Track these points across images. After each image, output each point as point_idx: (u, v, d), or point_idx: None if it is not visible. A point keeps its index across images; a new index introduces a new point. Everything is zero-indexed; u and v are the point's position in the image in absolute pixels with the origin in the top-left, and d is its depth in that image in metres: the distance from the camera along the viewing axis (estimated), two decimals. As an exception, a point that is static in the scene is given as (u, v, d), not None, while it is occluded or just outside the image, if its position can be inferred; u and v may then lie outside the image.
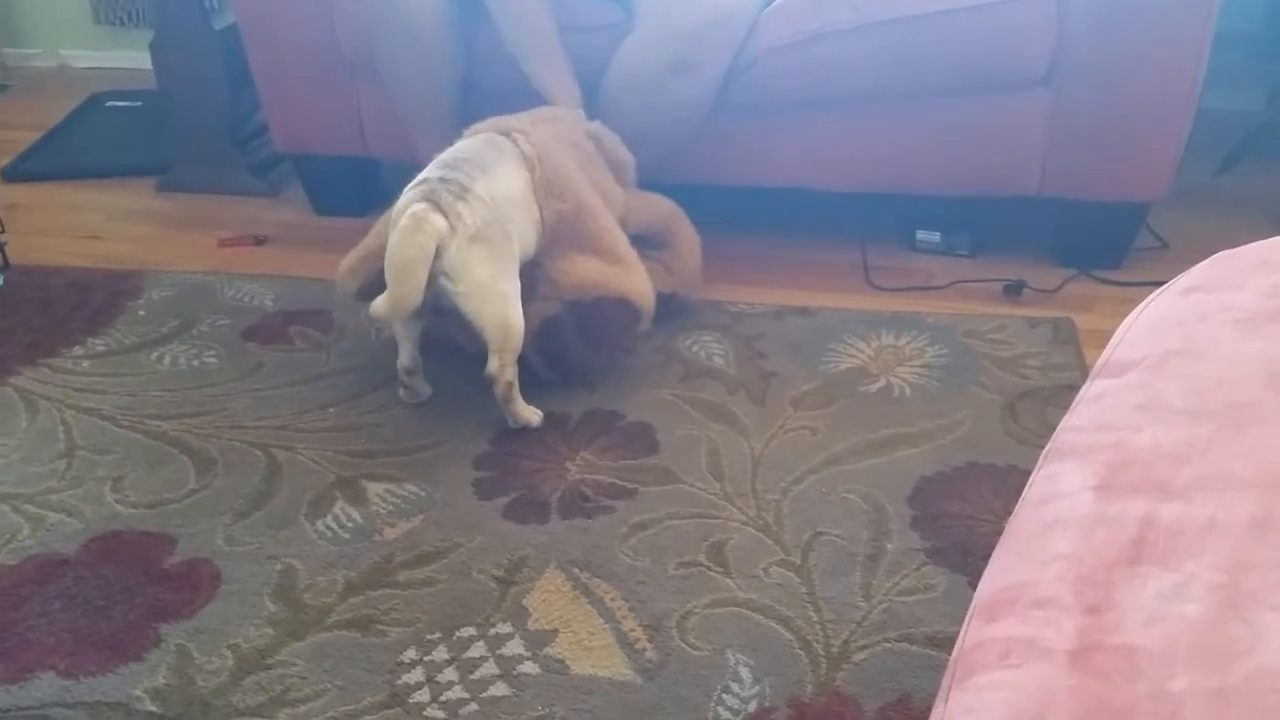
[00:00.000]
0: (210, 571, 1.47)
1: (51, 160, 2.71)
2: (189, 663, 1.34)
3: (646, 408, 1.76)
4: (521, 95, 1.95)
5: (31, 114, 2.95)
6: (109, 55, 3.28)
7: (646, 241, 1.91)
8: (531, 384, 1.75)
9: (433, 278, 1.60)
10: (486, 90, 2.09)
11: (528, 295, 1.70)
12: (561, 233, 1.73)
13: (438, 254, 1.58)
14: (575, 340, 1.75)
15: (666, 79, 1.92)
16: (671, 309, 1.93)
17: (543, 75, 1.97)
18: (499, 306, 1.63)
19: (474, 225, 1.60)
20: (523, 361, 1.70)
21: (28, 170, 2.65)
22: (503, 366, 1.66)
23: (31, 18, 3.34)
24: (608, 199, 1.83)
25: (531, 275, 1.73)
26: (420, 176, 1.66)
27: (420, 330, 1.74)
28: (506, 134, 1.74)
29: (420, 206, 1.59)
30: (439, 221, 1.58)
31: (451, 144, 2.04)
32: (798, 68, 1.97)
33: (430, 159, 2.13)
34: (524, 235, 1.69)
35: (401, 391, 1.78)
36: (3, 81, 3.24)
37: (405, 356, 1.75)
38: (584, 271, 1.74)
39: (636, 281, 1.78)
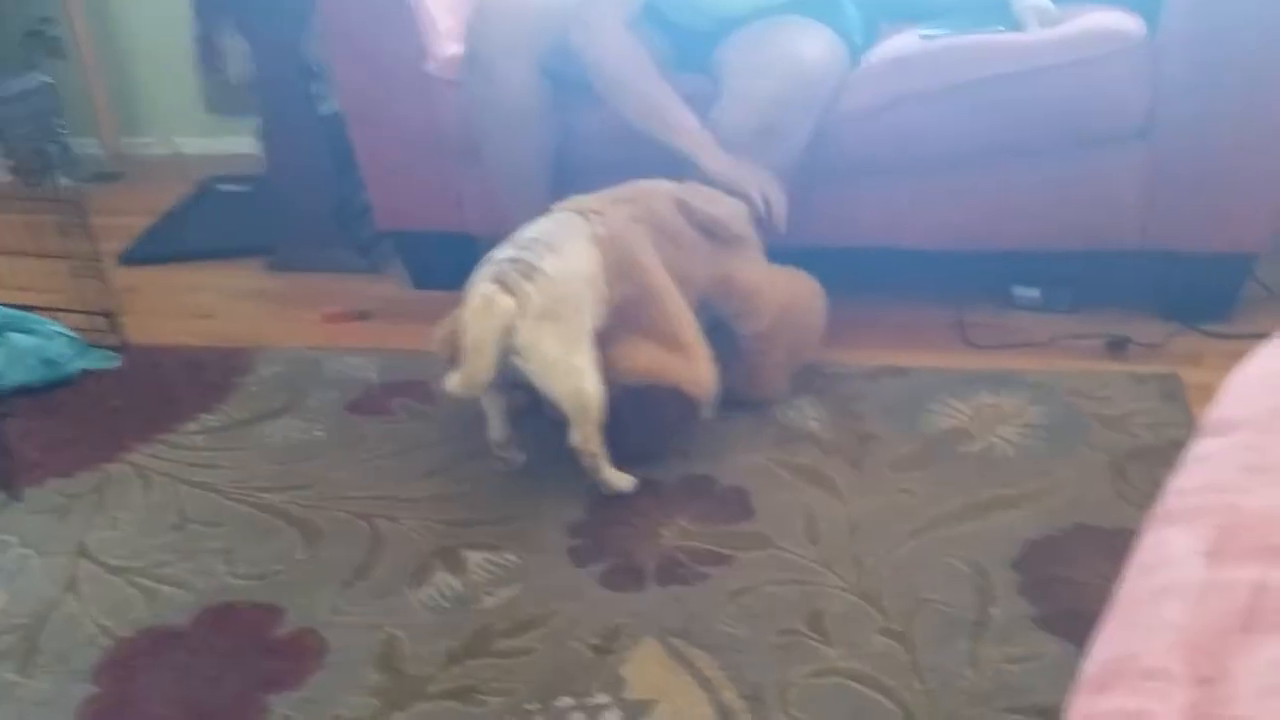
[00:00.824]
0: (316, 642, 1.50)
1: (166, 244, 2.83)
2: (295, 733, 1.36)
3: (741, 472, 1.75)
4: (613, 170, 1.98)
5: (146, 200, 3.10)
6: (219, 142, 3.44)
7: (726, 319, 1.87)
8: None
9: (506, 355, 1.63)
10: (578, 169, 2.13)
11: None
12: (626, 315, 1.74)
13: (509, 333, 1.61)
14: (633, 421, 1.74)
15: (753, 145, 1.94)
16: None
17: (673, 137, 1.96)
18: (573, 382, 1.65)
19: (541, 303, 1.62)
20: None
21: (143, 255, 2.77)
22: (586, 439, 1.67)
23: (145, 106, 3.52)
24: (687, 276, 1.81)
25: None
26: (490, 256, 1.69)
27: (505, 403, 1.77)
28: (583, 214, 1.77)
29: (489, 287, 1.62)
30: (506, 302, 1.61)
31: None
32: (882, 131, 1.98)
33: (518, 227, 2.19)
34: (593, 313, 1.70)
35: (497, 463, 1.81)
36: (118, 169, 3.41)
37: (494, 430, 1.78)
38: (640, 357, 1.73)
39: (694, 371, 1.75)
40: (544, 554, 1.62)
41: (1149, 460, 1.68)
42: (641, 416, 1.75)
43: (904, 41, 2.04)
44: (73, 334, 2.24)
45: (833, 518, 1.64)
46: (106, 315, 2.31)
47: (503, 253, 1.68)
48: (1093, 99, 1.89)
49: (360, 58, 2.25)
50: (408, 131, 2.28)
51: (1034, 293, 2.13)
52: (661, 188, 1.88)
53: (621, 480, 1.73)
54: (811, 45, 1.96)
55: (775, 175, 1.97)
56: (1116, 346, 1.99)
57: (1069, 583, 1.47)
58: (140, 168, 3.44)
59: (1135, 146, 1.92)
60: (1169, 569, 0.81)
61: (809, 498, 1.68)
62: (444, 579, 1.59)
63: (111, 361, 2.24)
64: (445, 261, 2.45)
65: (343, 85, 2.32)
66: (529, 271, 1.63)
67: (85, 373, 2.19)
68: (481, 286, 1.63)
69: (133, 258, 2.76)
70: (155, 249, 2.80)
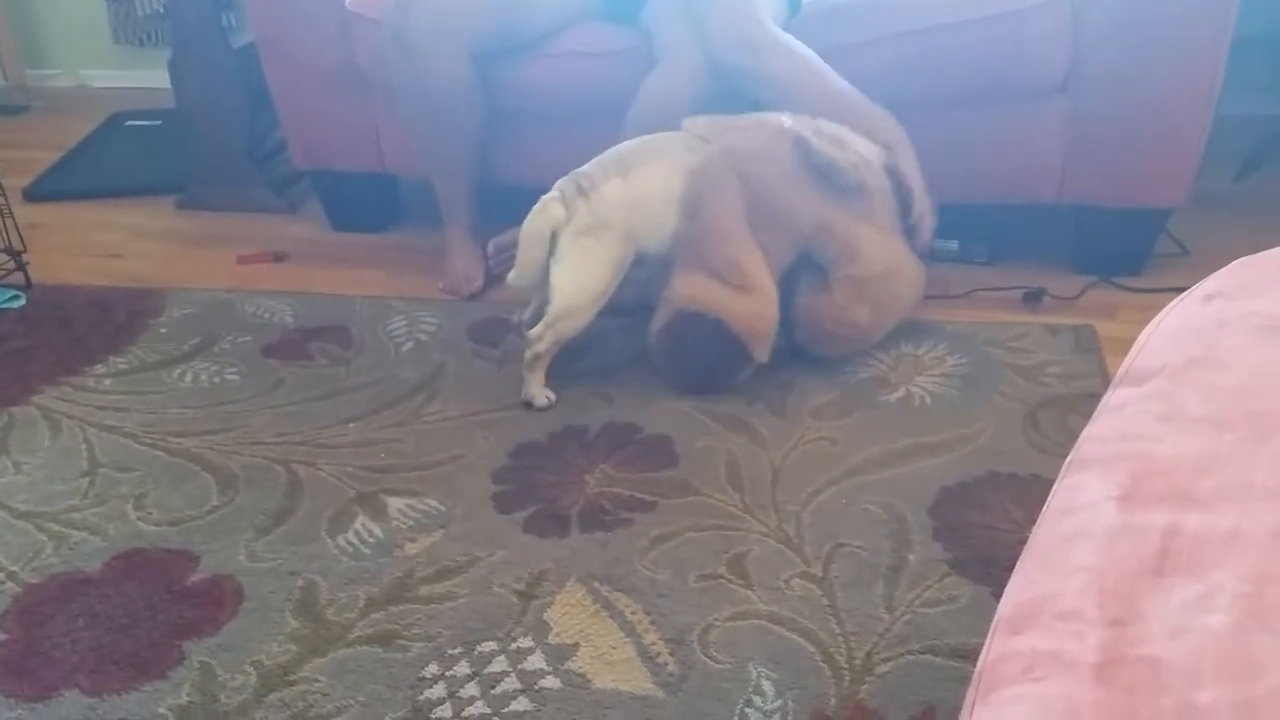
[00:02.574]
0: (233, 588, 1.48)
1: (72, 180, 2.73)
2: (212, 680, 1.34)
3: (664, 420, 1.76)
4: (547, 131, 1.97)
5: (52, 134, 2.98)
6: (128, 75, 3.32)
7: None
8: (558, 390, 1.76)
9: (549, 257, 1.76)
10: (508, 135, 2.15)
11: (658, 300, 1.82)
12: (690, 248, 1.77)
13: (554, 239, 1.75)
14: (687, 349, 1.78)
15: (693, 113, 1.91)
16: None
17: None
18: (577, 290, 1.76)
19: (584, 222, 1.74)
20: (654, 368, 1.83)
21: (49, 190, 2.67)
22: (542, 338, 1.76)
23: (51, 37, 3.38)
24: (783, 220, 1.78)
25: (663, 282, 1.81)
26: (583, 166, 1.80)
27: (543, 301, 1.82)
28: (689, 137, 1.82)
29: (551, 195, 1.76)
30: (557, 210, 1.74)
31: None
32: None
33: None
34: (651, 235, 1.79)
35: (517, 339, 1.91)
36: (23, 102, 3.27)
37: (528, 313, 1.88)
38: (696, 287, 1.76)
39: (745, 310, 1.74)
40: (467, 500, 1.61)
41: (1061, 409, 1.73)
42: (689, 346, 1.77)
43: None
44: (-27, 272, 2.16)
45: (755, 465, 1.65)
46: (11, 253, 2.23)
47: (590, 163, 1.80)
48: (1017, 53, 1.91)
49: (276, -11, 2.18)
50: (325, 67, 2.22)
51: (953, 245, 2.16)
52: (786, 124, 1.81)
53: (540, 393, 1.79)
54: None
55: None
56: (1032, 298, 2.03)
57: (982, 528, 1.51)
58: (45, 101, 3.30)
59: (1056, 101, 1.95)
60: (1083, 514, 0.83)
61: (732, 445, 1.70)
62: (364, 525, 1.57)
63: (16, 301, 2.16)
64: (364, 202, 2.41)
65: (257, 17, 2.24)
66: (589, 188, 1.75)
67: (-13, 312, 2.12)
68: (549, 195, 1.77)
69: (38, 194, 2.66)
70: (61, 185, 2.71)
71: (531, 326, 1.82)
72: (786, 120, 1.83)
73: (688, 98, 1.92)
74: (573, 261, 1.76)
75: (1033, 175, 2.02)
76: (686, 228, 1.78)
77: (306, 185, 2.50)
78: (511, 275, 1.82)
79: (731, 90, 1.93)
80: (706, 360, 1.78)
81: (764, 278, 1.77)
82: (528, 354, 1.78)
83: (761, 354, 1.78)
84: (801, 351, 1.86)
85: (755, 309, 1.76)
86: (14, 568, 1.52)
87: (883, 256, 1.84)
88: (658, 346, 1.81)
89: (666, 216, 1.78)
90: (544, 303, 1.80)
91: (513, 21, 2.06)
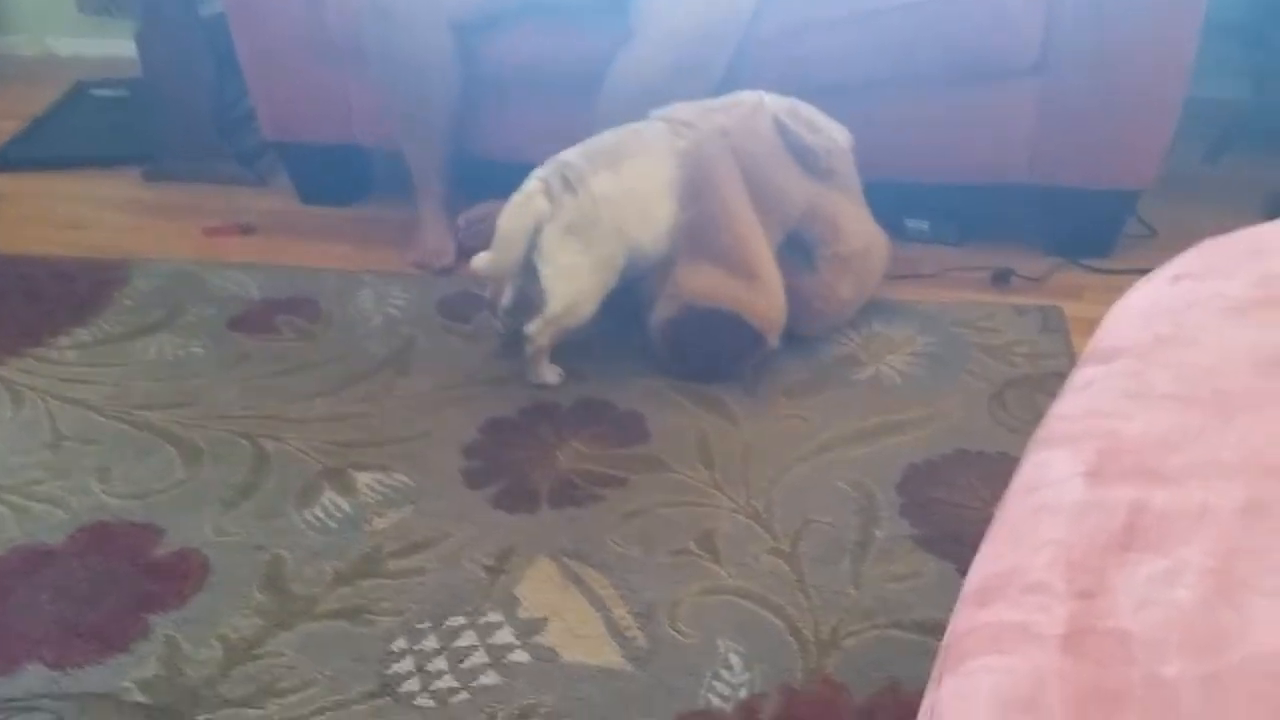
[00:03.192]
0: (198, 562, 1.46)
1: (36, 150, 2.69)
2: (177, 653, 1.33)
3: (637, 397, 1.75)
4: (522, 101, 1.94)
5: (16, 103, 2.93)
6: (94, 43, 3.26)
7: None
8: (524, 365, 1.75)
9: (530, 250, 1.70)
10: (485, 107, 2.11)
11: (659, 290, 1.75)
12: (695, 235, 1.73)
13: (536, 232, 1.68)
14: (698, 341, 1.74)
15: (670, 83, 1.90)
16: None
17: None
18: (572, 292, 1.71)
19: (572, 218, 1.67)
20: (652, 356, 1.79)
21: (12, 159, 2.63)
22: (540, 333, 1.73)
23: (14, 3, 3.31)
24: (776, 199, 1.77)
25: (664, 272, 1.75)
26: (561, 154, 1.72)
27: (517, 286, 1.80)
28: (672, 125, 1.75)
29: (534, 185, 1.69)
30: (541, 204, 1.67)
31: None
32: (787, 58, 1.96)
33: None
34: (647, 232, 1.72)
35: (496, 324, 1.89)
36: (-15, 71, 3.21)
37: (505, 298, 1.83)
38: (703, 280, 1.72)
39: (759, 300, 1.73)
40: (436, 476, 1.60)
41: (1028, 389, 1.74)
42: (700, 339, 1.74)
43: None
44: (-67, 241, 2.12)
45: (726, 442, 1.65)
46: (-30, 222, 2.19)
47: (570, 152, 1.72)
48: (988, 31, 1.90)
49: (245, -44, 2.15)
50: (294, 35, 2.18)
51: (923, 225, 2.17)
52: (766, 103, 1.81)
53: (550, 374, 1.77)
54: None
55: None
56: (1001, 279, 2.04)
57: (949, 505, 1.52)
58: (9, 69, 3.24)
59: (1028, 82, 1.95)
60: (1050, 489, 0.84)
61: (703, 422, 1.70)
62: (332, 500, 1.56)
63: (-24, 271, 2.12)
64: (333, 174, 2.39)
65: (226, -15, 2.20)
66: (576, 182, 1.68)
67: (-53, 282, 2.08)
68: (530, 183, 1.69)
69: (1, 163, 2.61)
70: (25, 154, 2.66)
71: (510, 312, 1.80)
72: (765, 99, 1.82)
73: (665, 66, 1.90)
74: (563, 263, 1.69)
75: (1004, 155, 2.03)
76: (697, 210, 1.73)
77: (275, 157, 2.47)
78: (484, 263, 1.75)
79: (709, 59, 1.92)
80: (718, 351, 1.76)
81: (769, 260, 1.75)
82: (528, 349, 1.74)
83: (775, 340, 1.76)
84: (787, 331, 1.86)
85: (767, 298, 1.73)
86: (-25, 540, 1.50)
87: (862, 233, 1.86)
88: (664, 339, 1.77)
89: (660, 209, 1.73)
90: (522, 289, 1.77)
91: None
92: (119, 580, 1.44)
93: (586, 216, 1.68)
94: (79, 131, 2.78)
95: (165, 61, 2.45)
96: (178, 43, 2.43)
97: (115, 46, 3.12)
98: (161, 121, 2.51)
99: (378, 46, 2.04)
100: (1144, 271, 1.17)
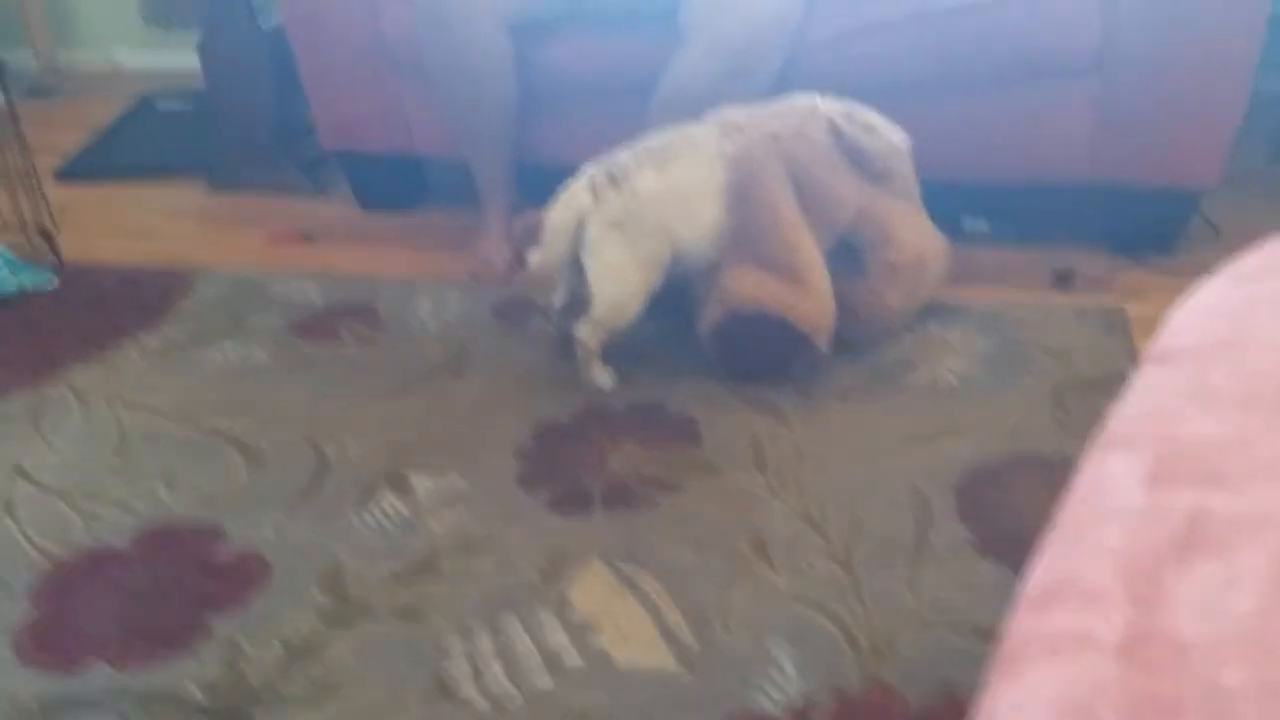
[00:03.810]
0: (260, 564, 1.49)
1: (103, 161, 2.75)
2: (238, 654, 1.36)
3: (689, 400, 1.75)
4: (580, 107, 1.95)
5: (83, 115, 3.00)
6: (159, 56, 3.33)
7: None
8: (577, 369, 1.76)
9: (576, 247, 1.72)
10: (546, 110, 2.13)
11: (707, 295, 1.76)
12: (742, 239, 1.72)
13: (581, 229, 1.69)
14: (745, 345, 1.74)
15: (720, 88, 1.90)
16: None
17: None
18: (617, 290, 1.72)
19: (615, 213, 1.68)
20: (704, 359, 1.79)
21: (80, 171, 2.69)
22: (590, 336, 1.74)
23: (81, 17, 3.40)
24: (827, 205, 1.76)
25: (712, 276, 1.75)
26: (612, 154, 1.75)
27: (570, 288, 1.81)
28: (723, 128, 1.75)
29: (580, 183, 1.71)
30: (585, 200, 1.69)
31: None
32: (843, 61, 1.95)
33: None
34: (691, 232, 1.72)
35: (549, 326, 1.91)
36: (53, 83, 3.30)
37: (557, 299, 1.85)
38: (752, 285, 1.71)
39: (806, 305, 1.71)
40: (491, 479, 1.62)
41: (1089, 391, 1.71)
42: (747, 343, 1.74)
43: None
44: (9, 253, 2.18)
45: (779, 445, 1.65)
46: (43, 233, 2.25)
47: (620, 153, 1.74)
48: (1045, 32, 1.88)
49: (304, -31, 2.18)
50: (353, 46, 2.22)
51: (982, 224, 2.14)
52: (821, 107, 1.80)
53: (604, 378, 1.78)
54: None
55: None
56: (1062, 279, 2.00)
57: (1007, 509, 1.50)
58: (76, 82, 3.32)
59: (1088, 79, 1.92)
60: (1109, 494, 0.83)
61: (756, 426, 1.69)
62: (390, 502, 1.58)
63: (49, 281, 2.18)
64: (392, 183, 2.42)
65: (286, -2, 2.24)
66: (621, 179, 1.69)
67: (22, 292, 2.13)
68: (577, 181, 1.71)
69: (69, 174, 2.68)
70: (92, 165, 2.73)
71: (563, 313, 1.82)
72: (820, 102, 1.81)
73: (715, 72, 1.90)
74: (607, 259, 1.70)
75: (1064, 154, 2.00)
76: (735, 219, 1.72)
77: (335, 166, 2.51)
78: (535, 260, 1.76)
79: (758, 65, 1.91)
80: (767, 355, 1.75)
81: (818, 264, 1.74)
82: (579, 352, 1.76)
83: (825, 344, 1.75)
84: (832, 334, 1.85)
85: (815, 302, 1.72)
86: (45, 543, 1.54)
87: (915, 241, 1.83)
88: (711, 343, 1.77)
89: (706, 210, 1.72)
90: (573, 289, 1.79)
91: None
92: (182, 583, 1.47)
93: (630, 212, 1.68)
94: (144, 143, 2.85)
95: (227, 73, 2.50)
96: (239, 54, 2.47)
97: (179, 59, 3.19)
98: (224, 132, 2.56)
99: (436, 55, 2.06)
100: (1208, 271, 1.14)
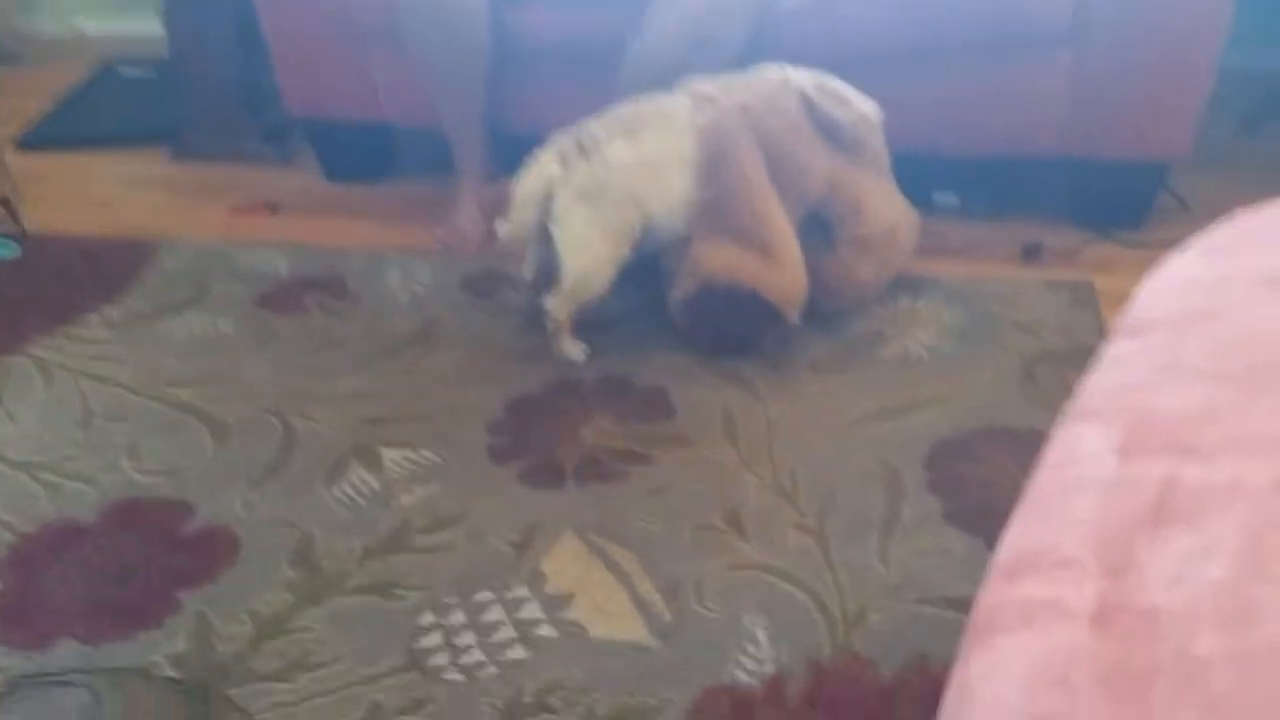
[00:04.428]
0: (228, 538, 1.48)
1: (65, 130, 2.70)
2: (208, 629, 1.35)
3: (661, 373, 1.75)
4: (557, 68, 1.92)
5: (43, 82, 2.94)
6: (121, 22, 3.27)
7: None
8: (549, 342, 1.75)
9: (544, 216, 1.71)
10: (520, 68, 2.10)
11: (678, 267, 1.75)
12: (714, 211, 1.72)
13: (549, 198, 1.68)
14: (717, 318, 1.74)
15: (687, 57, 1.88)
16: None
17: None
18: (585, 261, 1.71)
19: (583, 183, 1.67)
20: (676, 332, 1.79)
21: (42, 139, 2.64)
22: (559, 308, 1.73)
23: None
24: (798, 177, 1.75)
25: (683, 249, 1.74)
26: (583, 123, 1.73)
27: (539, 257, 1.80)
28: (694, 98, 1.74)
29: (549, 152, 1.70)
30: (554, 168, 1.68)
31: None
32: (817, 29, 1.94)
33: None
34: (661, 203, 1.71)
35: (520, 299, 1.90)
36: (14, 50, 3.23)
37: (526, 271, 1.84)
38: (723, 257, 1.71)
39: (777, 277, 1.71)
40: (463, 452, 1.61)
41: (1058, 364, 1.72)
42: (718, 316, 1.74)
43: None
44: (-34, 221, 2.14)
45: (751, 418, 1.65)
46: (4, 203, 2.20)
47: (590, 122, 1.72)
48: (1021, 1, 1.88)
49: (269, -68, 2.14)
50: (320, 10, 2.17)
51: (953, 198, 2.14)
52: (792, 78, 1.79)
53: (574, 350, 1.77)
54: None
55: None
56: (1031, 253, 2.01)
57: (977, 481, 1.51)
58: (37, 49, 3.25)
59: (1059, 52, 1.92)
60: (1081, 465, 0.83)
61: (728, 398, 1.69)
62: (360, 476, 1.57)
63: (11, 251, 2.14)
64: (360, 152, 2.39)
65: (251, -38, 2.20)
66: (591, 148, 1.68)
67: (-20, 262, 2.10)
68: (546, 150, 1.70)
69: (30, 143, 2.63)
70: (54, 134, 2.67)
71: (533, 284, 1.80)
72: (791, 73, 1.80)
73: (678, 39, 1.88)
74: (576, 230, 1.69)
75: (1035, 127, 2.00)
76: (706, 191, 1.72)
77: (301, 135, 2.47)
78: (503, 231, 1.76)
79: (720, 32, 1.90)
80: (739, 328, 1.75)
81: (789, 237, 1.74)
82: (549, 325, 1.75)
83: (795, 317, 1.75)
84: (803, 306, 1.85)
85: (785, 274, 1.72)
86: (9, 517, 1.52)
87: (886, 214, 1.83)
88: (683, 316, 1.77)
89: (676, 182, 1.71)
90: (542, 261, 1.78)
91: None
92: (150, 557, 1.45)
93: (598, 181, 1.67)
94: (107, 111, 2.79)
95: (191, 39, 2.45)
96: (203, 19, 2.43)
97: (143, 25, 3.13)
98: (188, 100, 2.51)
99: (413, 18, 2.02)
100: (1177, 245, 1.15)
